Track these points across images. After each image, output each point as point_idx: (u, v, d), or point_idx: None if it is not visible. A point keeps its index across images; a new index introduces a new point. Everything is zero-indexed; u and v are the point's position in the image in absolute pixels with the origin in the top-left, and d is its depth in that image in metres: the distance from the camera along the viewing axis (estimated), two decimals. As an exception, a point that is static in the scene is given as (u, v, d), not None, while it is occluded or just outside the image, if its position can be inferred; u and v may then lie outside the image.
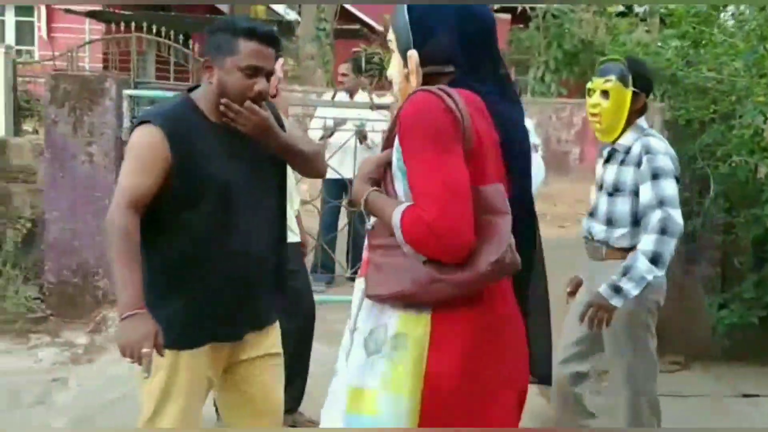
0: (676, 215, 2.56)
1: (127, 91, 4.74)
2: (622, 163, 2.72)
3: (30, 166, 5.25)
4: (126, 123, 4.79)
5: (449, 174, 1.48)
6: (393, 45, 1.69)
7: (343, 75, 5.91)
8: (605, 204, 2.75)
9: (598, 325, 2.63)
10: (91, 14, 13.32)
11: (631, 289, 2.56)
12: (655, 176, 2.61)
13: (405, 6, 1.66)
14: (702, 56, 4.27)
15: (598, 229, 2.79)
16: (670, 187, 2.59)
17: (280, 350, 2.29)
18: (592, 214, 2.84)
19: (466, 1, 1.67)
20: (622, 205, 2.71)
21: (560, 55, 11.38)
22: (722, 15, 4.88)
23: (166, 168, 1.96)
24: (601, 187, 2.81)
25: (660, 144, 2.70)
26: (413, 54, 1.63)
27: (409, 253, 1.51)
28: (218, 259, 2.04)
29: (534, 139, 7.15)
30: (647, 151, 2.65)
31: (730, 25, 4.77)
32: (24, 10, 15.12)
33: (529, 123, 6.89)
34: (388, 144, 1.63)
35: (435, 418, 1.54)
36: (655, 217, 2.56)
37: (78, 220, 4.81)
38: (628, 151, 2.72)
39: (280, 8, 20.48)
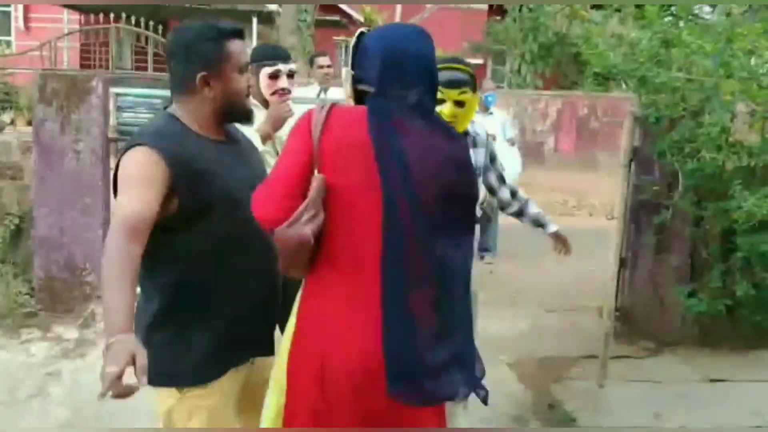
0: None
1: (113, 89, 4.81)
2: (472, 146, 3.05)
3: (18, 163, 5.30)
4: (113, 121, 4.87)
5: (278, 166, 1.88)
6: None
7: (328, 67, 5.97)
8: None
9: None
10: (68, 5, 13.21)
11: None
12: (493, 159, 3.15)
13: (358, 33, 1.97)
14: (672, 56, 4.42)
15: None
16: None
17: None
18: None
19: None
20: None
21: (536, 48, 11.54)
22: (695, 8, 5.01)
23: (166, 191, 1.87)
24: None
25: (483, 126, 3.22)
26: (345, 71, 1.96)
27: None
28: (234, 279, 1.99)
29: (509, 132, 7.26)
30: (494, 137, 3.09)
31: (699, 24, 4.93)
32: None
33: (505, 116, 6.99)
34: None
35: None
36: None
37: (66, 216, 4.89)
38: (476, 134, 3.09)
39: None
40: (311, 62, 6.23)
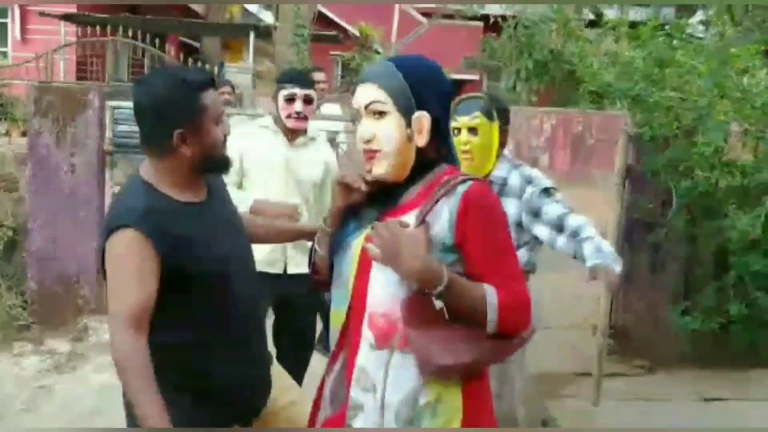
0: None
1: (110, 102, 4.81)
2: (500, 195, 2.66)
3: (12, 174, 5.29)
4: (108, 133, 4.87)
5: (517, 259, 1.72)
6: (384, 106, 1.66)
7: (323, 83, 6.00)
8: None
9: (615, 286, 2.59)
10: (65, 17, 13.23)
11: (613, 264, 2.53)
12: (549, 192, 2.69)
13: (394, 65, 1.69)
14: (666, 75, 4.46)
15: None
16: (565, 200, 2.69)
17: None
18: None
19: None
20: None
21: (530, 65, 11.59)
22: (689, 24, 5.06)
23: (158, 271, 1.78)
24: None
25: (538, 171, 2.80)
26: (425, 116, 1.65)
27: (491, 330, 1.60)
28: (227, 343, 1.92)
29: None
30: (529, 180, 2.69)
31: (700, 37, 4.97)
32: (-4, 12, 14.97)
33: None
34: (422, 220, 1.63)
35: None
36: (577, 217, 2.65)
37: (60, 229, 4.88)
38: (504, 182, 2.71)
39: (253, 8, 20.49)
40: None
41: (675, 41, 4.74)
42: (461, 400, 1.64)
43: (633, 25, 5.51)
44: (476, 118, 2.64)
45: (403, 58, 1.74)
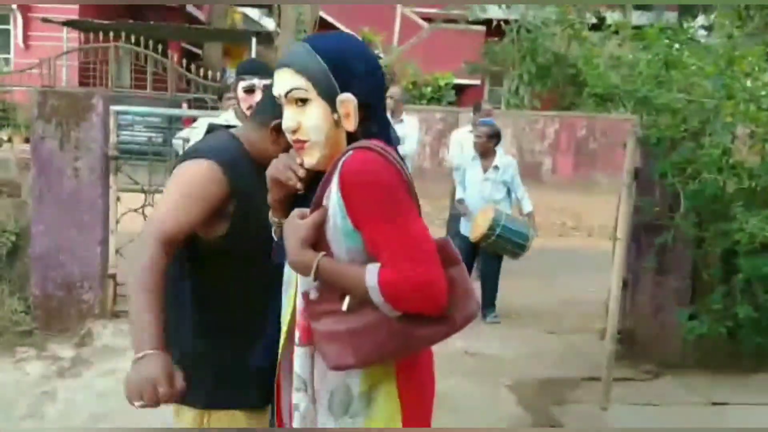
0: None
1: (114, 107, 4.80)
2: None
3: (15, 180, 5.28)
4: (113, 138, 4.85)
5: (418, 232, 1.51)
6: (305, 93, 1.57)
7: None
8: None
9: None
10: (68, 23, 13.25)
11: None
12: None
13: (310, 47, 1.58)
14: (673, 77, 4.44)
15: None
16: None
17: None
18: None
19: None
20: None
21: (534, 69, 11.61)
22: (691, 28, 5.04)
23: (216, 210, 1.78)
24: None
25: None
26: (349, 97, 1.54)
27: (390, 313, 1.50)
28: (269, 317, 1.84)
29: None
30: None
31: (701, 43, 4.95)
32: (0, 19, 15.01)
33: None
34: (317, 205, 1.56)
35: None
36: None
37: (63, 234, 4.85)
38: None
39: (255, 14, 20.53)
40: None
41: (678, 45, 4.72)
42: (396, 386, 1.59)
43: (636, 28, 5.49)
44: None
45: (319, 37, 1.64)
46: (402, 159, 1.59)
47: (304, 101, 1.56)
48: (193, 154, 1.84)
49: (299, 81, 1.56)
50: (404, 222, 1.50)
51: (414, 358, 1.63)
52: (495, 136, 5.78)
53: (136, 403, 1.50)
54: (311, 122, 1.56)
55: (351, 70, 1.55)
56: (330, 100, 1.55)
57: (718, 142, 4.12)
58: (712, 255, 4.65)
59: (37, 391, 4.09)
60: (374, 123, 1.59)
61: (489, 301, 5.88)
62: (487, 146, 5.77)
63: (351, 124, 1.56)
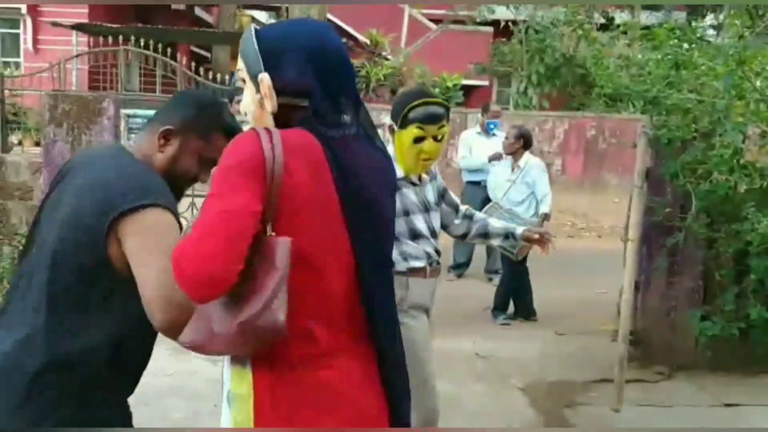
0: None
1: (124, 111, 4.82)
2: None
3: (27, 183, 5.31)
4: (123, 141, 4.88)
5: (214, 209, 1.38)
6: (242, 74, 1.57)
7: None
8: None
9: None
10: (77, 27, 13.32)
11: None
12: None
13: (253, 30, 1.57)
14: (683, 77, 4.41)
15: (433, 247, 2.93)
16: None
17: None
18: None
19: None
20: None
21: (542, 69, 11.58)
22: (700, 27, 5.02)
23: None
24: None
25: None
26: (265, 76, 1.50)
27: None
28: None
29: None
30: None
31: (710, 41, 4.93)
32: (9, 23, 15.09)
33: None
34: None
35: None
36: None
37: (75, 237, 4.88)
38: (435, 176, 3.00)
39: (263, 17, 20.56)
40: None
41: (688, 44, 4.70)
42: (250, 387, 1.47)
43: (645, 29, 5.47)
44: (444, 127, 2.70)
45: (272, 24, 1.69)
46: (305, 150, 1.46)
47: (243, 82, 1.58)
48: (144, 199, 1.65)
49: (240, 64, 1.58)
50: (212, 200, 1.39)
51: (271, 369, 1.47)
52: (522, 138, 5.78)
53: None
54: (243, 102, 1.58)
55: (282, 53, 1.51)
56: (255, 81, 1.53)
57: (729, 143, 4.10)
58: (724, 256, 4.63)
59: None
60: (311, 110, 1.50)
61: (500, 303, 5.88)
62: (514, 147, 5.78)
63: (269, 105, 1.51)
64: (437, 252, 2.86)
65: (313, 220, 1.45)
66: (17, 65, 14.51)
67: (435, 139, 2.66)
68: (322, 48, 1.53)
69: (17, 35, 15.06)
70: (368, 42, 14.89)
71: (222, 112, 1.85)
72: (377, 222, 1.57)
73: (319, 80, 1.51)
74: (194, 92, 1.99)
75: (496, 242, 2.96)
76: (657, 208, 4.66)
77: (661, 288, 4.87)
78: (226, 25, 16.99)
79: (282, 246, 1.39)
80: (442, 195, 2.97)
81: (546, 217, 5.69)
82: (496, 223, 3.00)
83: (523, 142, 5.79)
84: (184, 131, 1.79)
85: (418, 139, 2.66)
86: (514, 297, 5.88)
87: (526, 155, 5.81)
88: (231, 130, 1.81)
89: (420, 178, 2.84)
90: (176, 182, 1.79)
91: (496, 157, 6.56)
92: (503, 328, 5.70)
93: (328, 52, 1.54)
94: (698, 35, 4.85)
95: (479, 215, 3.05)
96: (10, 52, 15.00)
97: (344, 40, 13.78)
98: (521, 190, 5.74)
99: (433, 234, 2.85)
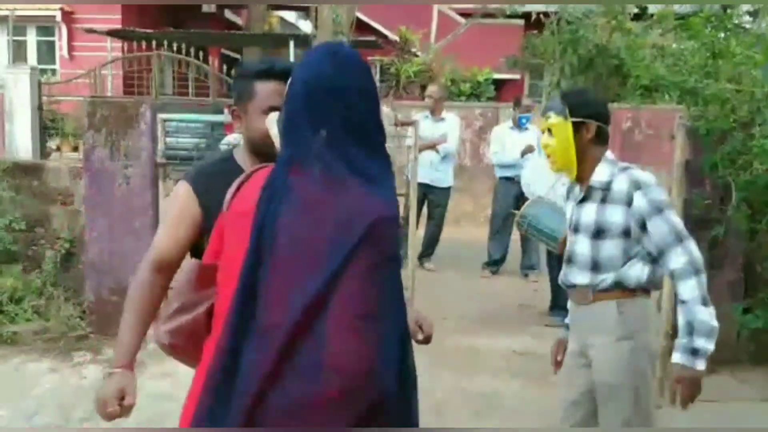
0: (695, 248, 2.36)
1: (161, 115, 4.89)
2: (604, 201, 2.45)
3: (68, 188, 5.42)
4: (161, 145, 4.95)
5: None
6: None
7: None
8: (588, 248, 2.48)
9: (692, 399, 2.38)
10: (111, 33, 13.53)
11: (707, 344, 2.28)
12: (660, 210, 2.36)
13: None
14: (720, 67, 4.34)
15: (582, 276, 2.52)
16: (678, 219, 2.39)
17: None
18: (570, 260, 2.58)
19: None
20: (611, 249, 2.44)
21: (575, 61, 11.41)
22: (735, 18, 4.92)
23: (195, 225, 1.92)
24: (577, 230, 2.55)
25: (649, 176, 2.45)
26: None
27: None
28: None
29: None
30: (638, 186, 2.39)
31: (747, 28, 4.83)
32: (45, 31, 15.37)
33: (539, 132, 6.85)
34: None
35: None
36: (680, 258, 2.32)
37: (116, 240, 4.97)
38: (607, 187, 2.45)
39: (292, 18, 20.63)
40: None
41: (724, 33, 4.62)
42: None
43: (679, 18, 5.38)
44: (549, 119, 2.54)
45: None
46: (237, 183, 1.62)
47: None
48: (183, 175, 2.05)
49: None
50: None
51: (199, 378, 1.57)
52: None
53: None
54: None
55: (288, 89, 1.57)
56: None
57: (769, 132, 4.03)
58: (766, 247, 4.54)
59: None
60: (290, 147, 1.52)
61: (552, 302, 5.80)
62: None
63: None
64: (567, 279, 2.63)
65: (236, 240, 1.52)
66: (53, 72, 14.77)
67: (548, 132, 2.57)
68: (311, 86, 1.52)
69: (53, 43, 15.34)
70: (398, 39, 14.87)
71: (251, 68, 2.01)
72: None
73: (298, 118, 1.52)
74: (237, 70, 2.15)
75: None
76: (696, 200, 4.59)
77: (702, 281, 4.79)
78: (256, 28, 17.10)
79: (187, 267, 1.71)
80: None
81: None
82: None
83: None
84: (239, 101, 2.00)
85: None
86: (557, 290, 5.76)
87: None
88: (267, 71, 1.97)
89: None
90: (264, 145, 1.88)
91: (528, 151, 6.52)
92: (540, 325, 5.65)
93: (318, 92, 1.51)
94: (734, 22, 4.76)
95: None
96: (47, 60, 15.28)
97: (373, 38, 13.73)
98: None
99: (570, 259, 2.60)
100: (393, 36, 15.29)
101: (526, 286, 6.73)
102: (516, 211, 5.42)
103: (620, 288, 2.44)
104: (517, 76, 16.06)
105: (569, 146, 2.49)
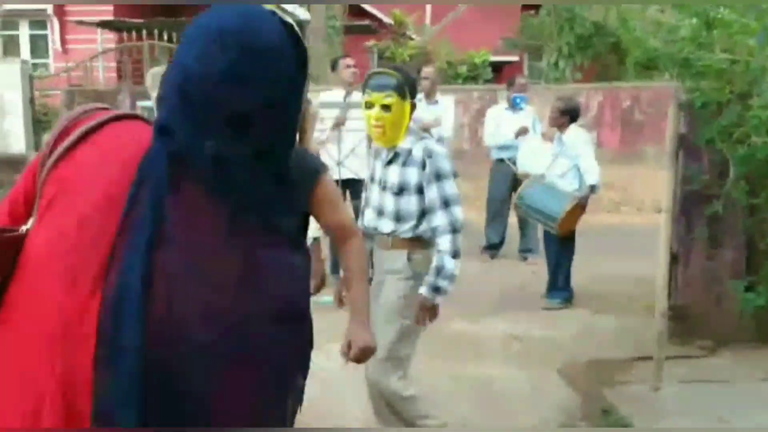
0: (459, 213, 2.88)
1: (140, 103, 4.78)
2: (405, 164, 2.92)
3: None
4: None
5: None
6: None
7: (355, 66, 6.01)
8: (392, 203, 2.95)
9: (431, 321, 2.95)
10: (102, 24, 13.41)
11: (448, 286, 2.86)
12: (438, 177, 2.86)
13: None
14: (714, 37, 4.20)
15: (386, 225, 2.98)
16: (451, 187, 2.88)
17: None
18: (380, 212, 3.01)
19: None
20: (408, 204, 2.92)
21: (573, 40, 11.25)
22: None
23: None
24: (384, 187, 2.99)
25: (440, 148, 3.00)
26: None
27: None
28: None
29: (539, 128, 7.06)
30: (429, 154, 2.88)
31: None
32: (37, 24, 15.27)
33: (534, 113, 6.81)
34: None
35: None
36: (443, 218, 2.85)
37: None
38: (409, 153, 2.92)
39: (289, 6, 20.47)
40: (333, 67, 6.21)
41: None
42: None
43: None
44: (389, 97, 2.85)
45: None
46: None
47: None
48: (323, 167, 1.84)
49: None
50: None
51: None
52: (569, 112, 5.54)
53: None
54: None
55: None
56: None
57: (766, 103, 3.88)
58: (767, 223, 4.42)
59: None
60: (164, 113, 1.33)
61: (549, 285, 5.68)
62: (559, 122, 5.56)
63: None
64: (376, 228, 3.02)
65: (77, 207, 1.30)
66: (46, 66, 14.69)
67: (383, 108, 2.85)
68: (195, 51, 1.34)
69: (45, 36, 15.25)
70: (392, 22, 14.71)
71: None
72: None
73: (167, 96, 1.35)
74: None
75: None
76: (694, 176, 4.46)
77: (702, 260, 4.67)
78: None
79: None
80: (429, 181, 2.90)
81: (593, 189, 5.40)
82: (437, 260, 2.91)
83: (569, 116, 5.54)
84: None
85: (368, 106, 2.91)
86: (556, 272, 5.63)
87: (572, 128, 5.55)
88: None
89: (395, 155, 2.96)
90: None
91: (522, 133, 6.39)
92: (537, 308, 5.55)
93: (187, 70, 1.33)
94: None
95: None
96: (41, 53, 15.19)
97: (367, 22, 13.63)
98: (561, 163, 5.52)
99: (380, 212, 3.00)
100: (387, 20, 15.12)
101: (524, 269, 6.63)
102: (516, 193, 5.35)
103: (413, 240, 2.95)
104: (515, 58, 15.91)
105: (403, 121, 2.90)
